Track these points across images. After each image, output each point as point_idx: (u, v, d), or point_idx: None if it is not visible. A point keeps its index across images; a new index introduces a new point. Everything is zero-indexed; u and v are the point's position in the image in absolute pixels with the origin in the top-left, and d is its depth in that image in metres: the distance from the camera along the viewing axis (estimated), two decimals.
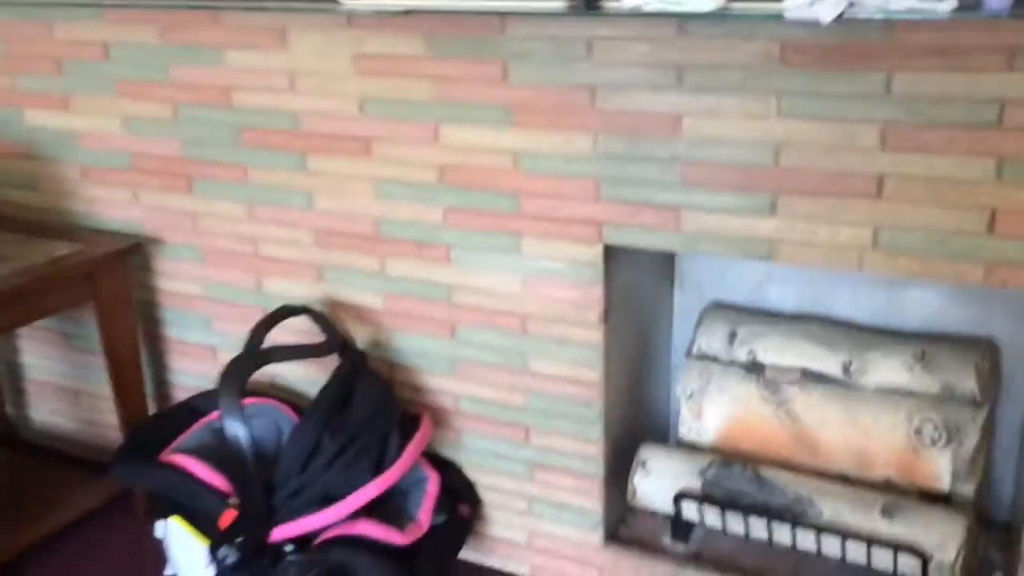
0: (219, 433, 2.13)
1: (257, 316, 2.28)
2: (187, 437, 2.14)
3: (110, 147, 2.35)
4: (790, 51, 1.59)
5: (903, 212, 1.60)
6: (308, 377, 2.25)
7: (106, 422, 2.64)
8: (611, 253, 1.88)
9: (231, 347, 2.37)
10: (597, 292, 1.90)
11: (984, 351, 1.94)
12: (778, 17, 1.52)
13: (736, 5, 1.56)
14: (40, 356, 2.67)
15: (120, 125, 2.32)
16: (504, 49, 1.82)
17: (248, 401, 2.15)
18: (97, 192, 2.42)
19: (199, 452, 2.03)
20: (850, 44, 1.54)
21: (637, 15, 1.63)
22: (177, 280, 2.40)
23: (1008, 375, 1.97)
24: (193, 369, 2.46)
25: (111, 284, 2.26)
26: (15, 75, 2.41)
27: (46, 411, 2.74)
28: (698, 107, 1.69)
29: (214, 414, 2.19)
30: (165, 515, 2.06)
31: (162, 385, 2.52)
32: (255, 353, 1.97)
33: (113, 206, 2.41)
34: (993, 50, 1.47)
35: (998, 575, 1.90)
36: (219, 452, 2.05)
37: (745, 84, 1.64)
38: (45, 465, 2.55)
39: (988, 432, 1.91)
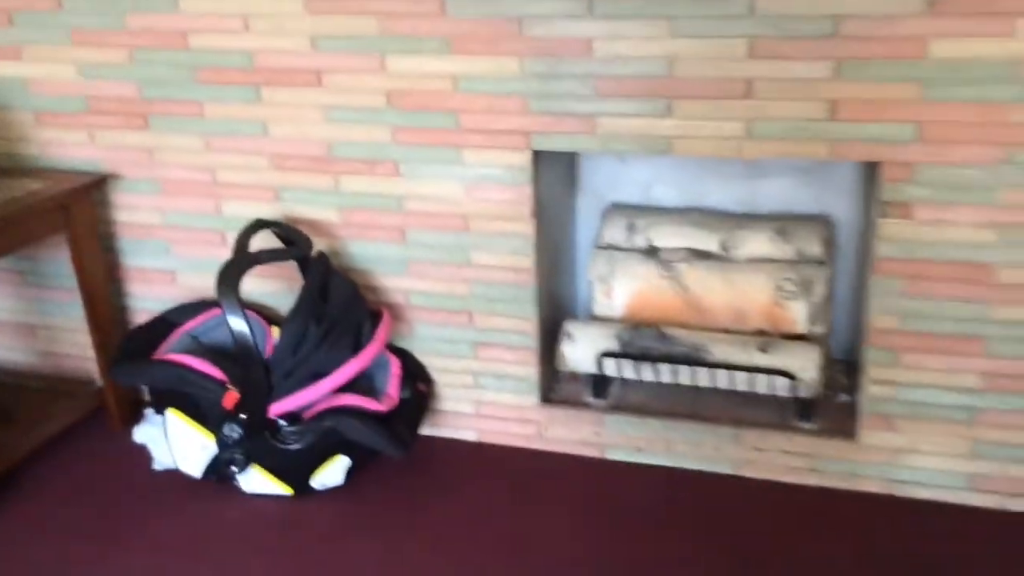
0: (197, 339, 2.39)
1: (215, 239, 2.54)
2: (170, 344, 2.38)
3: (64, 92, 2.52)
4: None
5: (768, 107, 2.04)
6: (265, 290, 2.52)
7: (64, 352, 2.81)
8: (537, 158, 2.25)
9: (190, 269, 2.61)
10: (528, 192, 2.27)
11: (824, 224, 2.44)
12: None
13: None
14: None
15: (75, 71, 2.49)
16: None
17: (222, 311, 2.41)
18: (52, 135, 2.57)
19: (187, 353, 2.28)
20: None
21: None
22: (135, 212, 2.60)
23: (841, 242, 2.47)
24: (152, 293, 2.66)
25: (82, 215, 2.45)
26: None
27: (2, 349, 2.87)
28: (606, 32, 2.07)
29: (188, 324, 2.44)
30: (162, 410, 2.30)
31: (123, 311, 2.71)
32: (243, 257, 2.22)
33: (68, 146, 2.57)
34: None
35: (843, 395, 2.41)
36: (203, 353, 2.32)
37: (643, 11, 2.03)
38: (13, 393, 2.69)
39: (831, 286, 2.40)
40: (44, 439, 2.48)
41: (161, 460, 2.42)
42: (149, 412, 2.54)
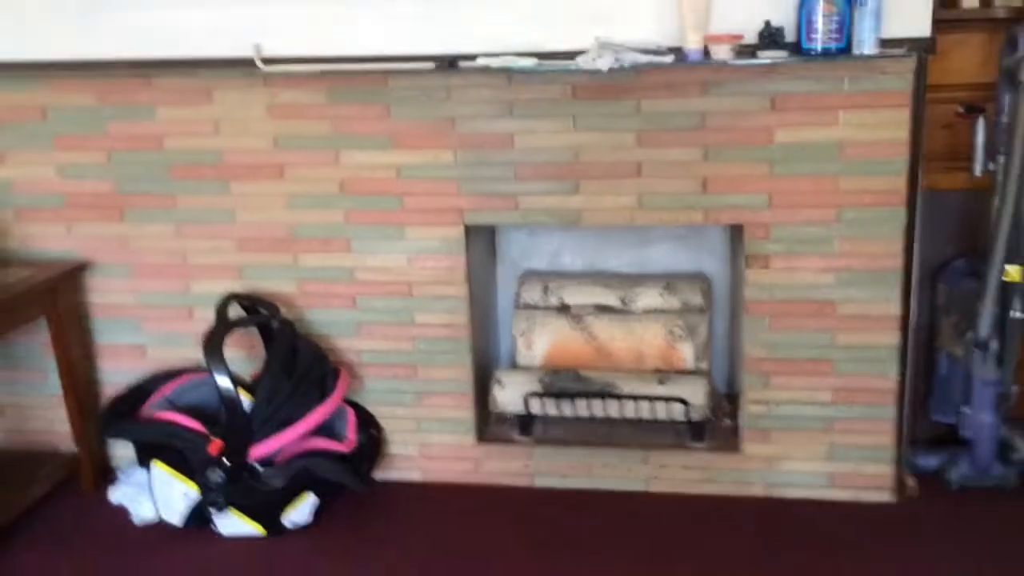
0: (172, 402, 2.62)
1: (184, 316, 2.80)
2: (149, 407, 2.60)
3: (45, 191, 2.76)
4: (579, 89, 2.44)
5: (654, 184, 2.48)
6: (229, 356, 2.77)
7: (32, 428, 2.96)
8: (468, 232, 2.62)
9: (160, 343, 2.84)
10: (461, 259, 2.63)
11: (702, 280, 2.89)
12: (572, 70, 2.36)
13: (545, 63, 2.39)
14: None
15: (55, 172, 2.74)
16: (388, 96, 2.53)
17: (195, 376, 2.67)
18: (31, 229, 2.80)
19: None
20: (615, 83, 2.41)
21: (483, 70, 2.42)
22: (108, 294, 2.83)
23: (716, 295, 2.92)
24: (123, 367, 2.86)
25: (66, 298, 2.67)
26: None
27: None
28: (523, 128, 2.49)
29: (163, 389, 2.67)
30: (147, 463, 2.51)
31: (95, 384, 2.90)
32: (224, 324, 2.49)
33: (47, 239, 2.80)
34: (694, 83, 2.39)
35: (727, 420, 2.81)
36: (181, 412, 2.55)
37: (553, 111, 2.47)
38: None
39: (711, 330, 2.84)
40: (26, 504, 2.62)
41: (140, 515, 2.60)
42: (123, 474, 2.73)
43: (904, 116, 2.33)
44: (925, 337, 2.67)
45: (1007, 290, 2.43)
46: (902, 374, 2.50)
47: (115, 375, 2.87)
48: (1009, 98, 2.36)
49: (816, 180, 2.40)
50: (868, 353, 2.49)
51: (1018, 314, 2.44)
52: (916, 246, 2.43)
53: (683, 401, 2.62)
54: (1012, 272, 2.41)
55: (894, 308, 2.45)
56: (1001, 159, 2.39)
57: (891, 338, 2.47)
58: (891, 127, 2.34)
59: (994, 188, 2.41)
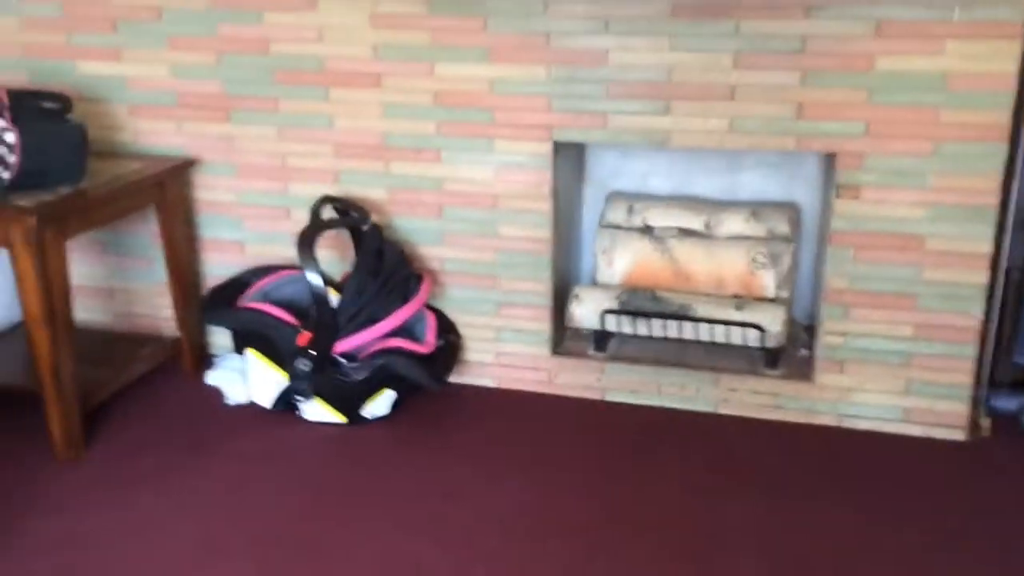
0: (268, 295, 2.73)
1: (282, 215, 2.88)
2: (247, 298, 2.72)
3: (158, 88, 2.86)
4: (678, 7, 2.39)
5: (747, 108, 2.43)
6: (322, 257, 2.86)
7: (140, 312, 3.12)
8: (557, 148, 2.62)
9: (258, 240, 2.95)
10: (547, 175, 2.64)
11: (791, 209, 2.83)
12: None
13: None
14: (78, 264, 3.07)
15: (168, 71, 2.84)
16: (485, 8, 2.52)
17: (290, 272, 2.77)
18: (144, 125, 2.91)
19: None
20: (717, 2, 2.35)
21: None
22: (213, 190, 2.94)
23: (804, 225, 2.87)
24: (224, 261, 2.98)
25: (173, 191, 2.79)
26: (71, 33, 2.86)
27: (82, 310, 3.17)
28: (618, 45, 2.46)
29: (260, 283, 2.78)
30: (242, 350, 2.64)
31: (197, 275, 3.04)
32: (317, 223, 2.57)
33: (158, 135, 2.91)
34: (798, 4, 2.31)
35: (803, 350, 2.79)
36: (277, 304, 2.65)
37: (649, 29, 2.42)
38: (100, 342, 2.99)
39: (795, 260, 2.79)
40: (132, 379, 2.79)
41: (233, 397, 2.75)
42: (220, 358, 2.88)
43: (1015, 48, 2.22)
44: (1017, 279, 2.57)
45: None
46: (987, 313, 2.42)
47: (216, 268, 3.00)
48: None
49: (916, 111, 2.31)
50: (954, 290, 2.42)
51: None
52: (1016, 184, 2.33)
53: (759, 327, 2.60)
54: None
55: (985, 246, 2.37)
56: None
57: (979, 277, 2.40)
58: (1000, 59, 2.23)
59: None
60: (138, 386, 2.82)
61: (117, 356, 2.82)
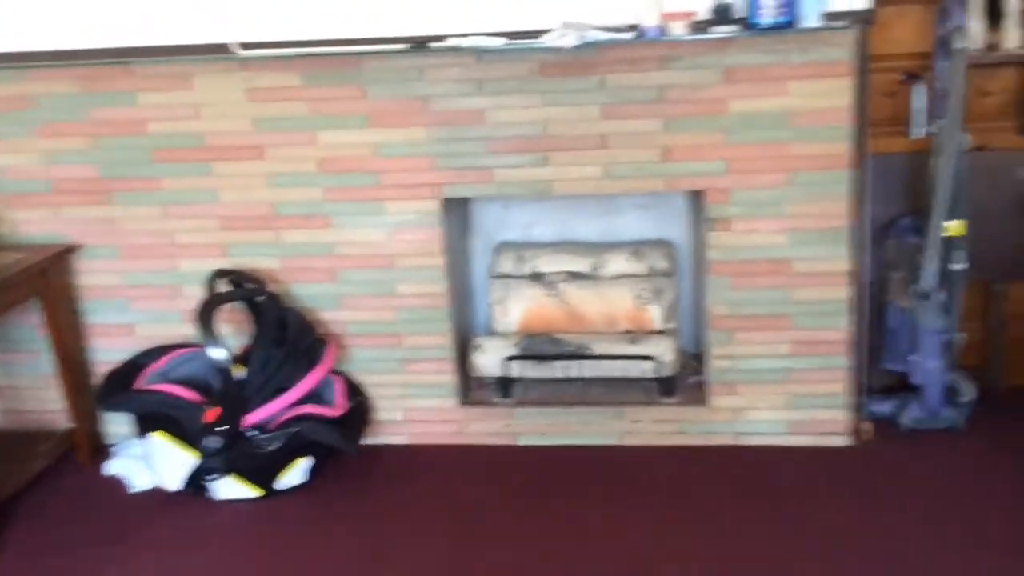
0: (165, 376, 2.73)
1: (172, 294, 2.90)
2: (144, 379, 2.71)
3: (31, 176, 2.84)
4: (546, 66, 2.57)
5: (618, 154, 2.62)
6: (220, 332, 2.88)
7: (28, 408, 3.05)
8: (445, 205, 2.75)
9: (149, 321, 2.94)
10: (439, 232, 2.76)
11: (667, 245, 3.04)
12: (538, 48, 2.49)
13: (513, 42, 2.52)
14: None
15: (41, 159, 2.82)
16: (362, 77, 2.64)
17: (186, 350, 2.78)
18: (20, 215, 2.88)
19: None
20: (579, 60, 2.54)
21: (453, 50, 2.54)
22: (97, 275, 2.92)
23: (681, 259, 3.08)
24: (113, 346, 2.95)
25: (57, 279, 2.77)
26: None
27: None
28: (494, 104, 2.62)
29: (155, 364, 2.77)
30: (145, 433, 2.62)
31: (86, 363, 2.99)
32: (215, 297, 2.60)
33: (35, 224, 2.88)
34: (653, 58, 2.53)
35: (695, 376, 2.98)
36: (177, 383, 2.66)
37: (521, 87, 2.60)
38: None
39: (678, 293, 3.00)
40: (30, 477, 2.73)
41: (138, 484, 2.72)
42: (118, 446, 2.85)
43: (848, 84, 2.50)
44: (876, 291, 2.85)
45: (948, 244, 2.61)
46: (854, 326, 2.67)
47: (106, 353, 2.96)
48: (944, 65, 2.53)
49: (769, 147, 2.56)
50: (822, 307, 2.66)
51: (959, 266, 2.62)
52: (864, 206, 2.60)
53: (652, 359, 2.78)
54: (952, 227, 2.59)
55: (844, 264, 2.63)
56: (939, 122, 2.56)
57: (843, 292, 2.65)
58: (836, 95, 2.50)
59: (933, 150, 2.58)
60: (37, 484, 2.75)
61: (11, 455, 2.75)
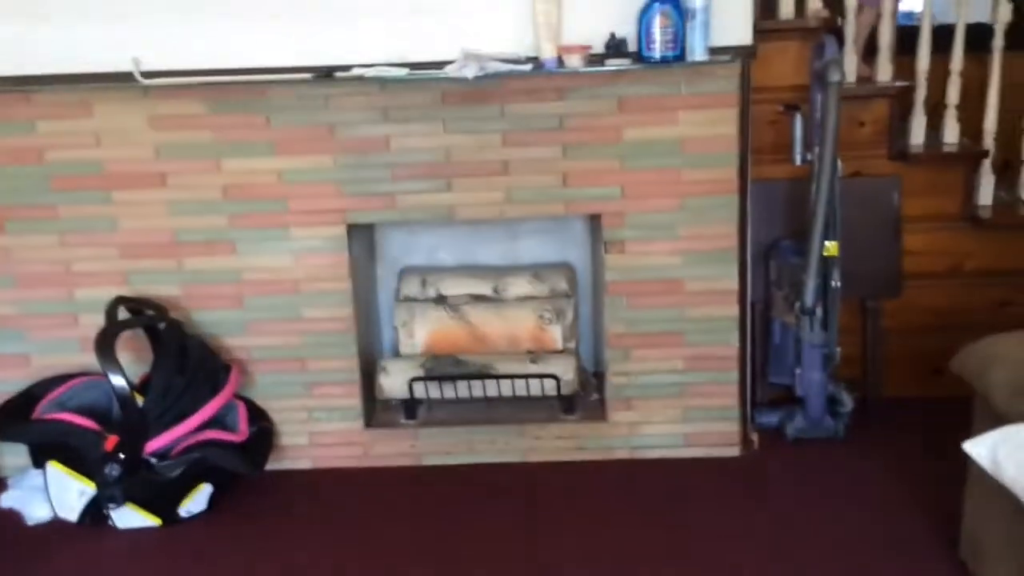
0: (63, 405, 2.70)
1: (69, 323, 2.87)
2: (40, 410, 2.67)
3: None
4: (448, 95, 2.67)
5: (520, 180, 2.73)
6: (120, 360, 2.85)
7: None
8: (350, 231, 2.81)
9: (45, 351, 2.89)
10: (344, 256, 2.81)
11: (567, 268, 3.16)
12: (440, 78, 2.59)
13: (416, 72, 2.61)
14: None
15: None
16: (268, 106, 2.68)
17: (84, 379, 2.75)
18: None
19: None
20: (480, 90, 2.65)
21: (357, 80, 2.61)
22: None
23: (580, 281, 3.20)
24: (8, 376, 2.87)
25: None
26: None
27: None
28: (398, 132, 2.70)
29: (52, 394, 2.73)
30: (42, 464, 2.58)
31: None
32: (114, 325, 2.59)
33: None
34: (551, 88, 2.66)
35: (595, 394, 3.09)
36: (75, 412, 2.63)
37: (425, 116, 2.68)
38: None
39: (577, 313, 3.11)
40: None
41: (34, 516, 2.67)
42: (14, 478, 2.78)
43: (733, 114, 2.67)
44: (762, 309, 3.02)
45: (827, 263, 2.80)
46: (742, 342, 2.84)
47: (1, 384, 2.89)
48: (820, 97, 2.73)
49: (661, 172, 2.71)
50: (713, 325, 2.82)
51: (837, 283, 2.81)
52: (748, 228, 2.78)
53: (554, 377, 2.88)
54: (830, 247, 2.78)
55: (733, 284, 2.79)
56: (816, 150, 2.75)
57: (732, 310, 2.81)
58: (722, 124, 2.67)
59: (811, 175, 2.77)
60: None
61: None
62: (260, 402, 2.91)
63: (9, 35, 2.63)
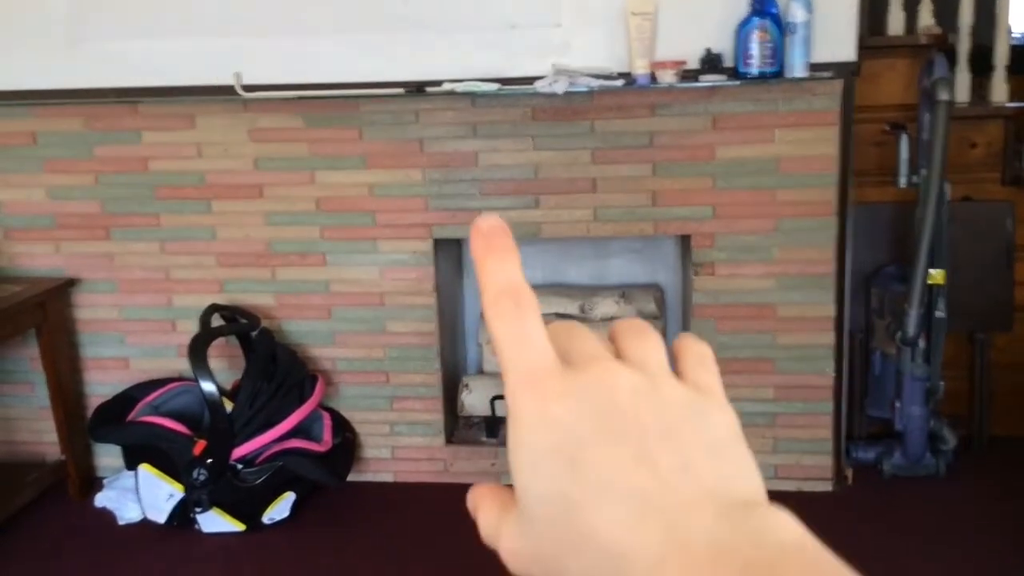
0: (157, 409, 2.75)
1: (167, 328, 2.92)
2: (135, 413, 2.72)
3: (34, 211, 2.88)
4: (538, 111, 2.62)
5: (608, 199, 2.66)
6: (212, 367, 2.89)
7: (20, 439, 3.06)
8: (437, 245, 2.78)
9: (144, 355, 2.96)
10: (430, 271, 2.79)
11: (655, 289, 3.07)
12: (531, 92, 2.55)
13: (506, 87, 2.57)
14: None
15: (44, 194, 2.87)
16: (360, 120, 2.69)
17: (178, 384, 2.80)
18: (20, 248, 2.92)
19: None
20: (570, 106, 2.59)
21: (448, 94, 2.59)
22: (94, 309, 2.94)
23: (668, 302, 3.10)
24: (108, 379, 2.97)
25: (55, 312, 2.79)
26: None
27: None
28: (487, 147, 2.67)
29: (148, 397, 2.79)
30: (134, 466, 2.63)
31: (80, 396, 3.01)
32: (208, 332, 2.63)
33: (36, 257, 2.91)
34: (643, 105, 2.58)
35: None
36: (168, 416, 2.67)
37: (514, 132, 2.64)
38: None
39: (665, 336, 3.01)
40: (14, 510, 2.72)
41: (126, 516, 2.72)
42: (109, 479, 2.84)
43: (833, 133, 2.54)
44: (862, 338, 2.86)
45: (931, 292, 2.62)
46: (838, 372, 2.68)
47: (100, 387, 2.98)
48: (928, 117, 2.57)
49: (755, 193, 2.59)
50: (806, 352, 2.67)
51: (941, 314, 2.64)
52: (848, 253, 2.63)
53: None
54: (935, 275, 2.61)
55: (829, 310, 2.64)
56: (923, 172, 2.59)
57: (827, 338, 2.66)
58: (822, 144, 2.54)
59: (918, 199, 2.61)
60: (24, 515, 2.74)
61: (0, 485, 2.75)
62: (344, 413, 2.90)
63: (119, 49, 2.71)
